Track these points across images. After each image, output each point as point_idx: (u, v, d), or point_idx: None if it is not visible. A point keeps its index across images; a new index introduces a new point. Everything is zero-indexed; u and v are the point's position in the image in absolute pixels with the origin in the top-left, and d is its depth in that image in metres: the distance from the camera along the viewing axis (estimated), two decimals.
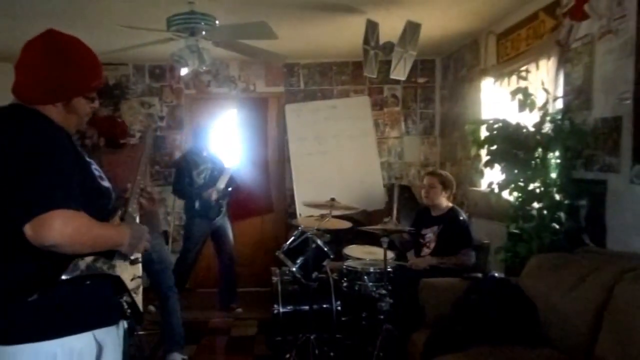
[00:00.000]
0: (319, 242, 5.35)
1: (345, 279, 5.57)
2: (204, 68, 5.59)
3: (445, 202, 5.87)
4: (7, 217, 2.12)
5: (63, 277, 2.19)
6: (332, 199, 5.56)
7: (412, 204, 6.65)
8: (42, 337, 2.19)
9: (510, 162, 4.84)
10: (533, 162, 4.71)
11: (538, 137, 4.71)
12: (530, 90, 4.94)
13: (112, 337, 2.44)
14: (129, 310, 2.50)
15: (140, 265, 2.61)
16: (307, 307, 5.39)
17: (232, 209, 7.61)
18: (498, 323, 4.08)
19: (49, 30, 2.38)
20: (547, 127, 4.69)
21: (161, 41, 5.40)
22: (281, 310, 5.42)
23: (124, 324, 2.56)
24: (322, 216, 5.58)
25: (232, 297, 7.60)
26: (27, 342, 2.18)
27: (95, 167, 2.45)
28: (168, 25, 5.07)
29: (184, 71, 5.57)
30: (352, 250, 5.88)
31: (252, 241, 8.68)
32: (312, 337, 5.26)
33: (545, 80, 5.20)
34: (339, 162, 8.04)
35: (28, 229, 2.05)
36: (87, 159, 2.42)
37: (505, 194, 4.98)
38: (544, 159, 4.66)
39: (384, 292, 5.08)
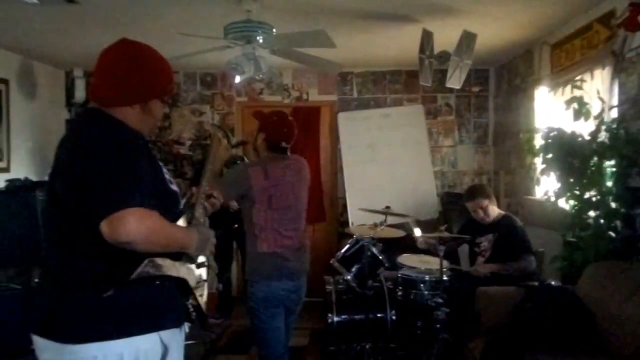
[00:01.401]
0: (374, 250, 5.35)
1: (400, 287, 5.53)
2: (260, 76, 5.61)
3: (496, 210, 5.86)
4: (83, 215, 2.17)
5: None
6: (387, 207, 5.57)
7: (466, 212, 6.60)
8: (110, 335, 2.22)
9: (566, 170, 4.83)
10: (588, 170, 4.69)
11: (594, 145, 4.69)
12: (585, 100, 4.93)
13: (176, 340, 2.46)
14: (194, 313, 2.53)
15: (205, 269, 2.65)
16: (361, 316, 5.37)
17: None
18: (555, 331, 4.08)
19: (123, 39, 2.49)
20: (603, 136, 4.67)
21: (217, 49, 5.46)
22: (335, 319, 5.35)
23: (186, 328, 2.58)
24: (376, 225, 5.61)
25: None
26: (95, 341, 2.20)
27: (165, 171, 2.53)
28: (225, 33, 5.14)
29: (238, 79, 5.62)
30: (406, 259, 5.81)
31: None
32: (366, 347, 5.27)
33: (600, 90, 5.17)
34: (392, 170, 8.04)
35: (104, 226, 2.08)
36: (159, 163, 2.50)
37: (561, 203, 4.97)
38: (600, 168, 4.63)
39: (440, 300, 5.08)
